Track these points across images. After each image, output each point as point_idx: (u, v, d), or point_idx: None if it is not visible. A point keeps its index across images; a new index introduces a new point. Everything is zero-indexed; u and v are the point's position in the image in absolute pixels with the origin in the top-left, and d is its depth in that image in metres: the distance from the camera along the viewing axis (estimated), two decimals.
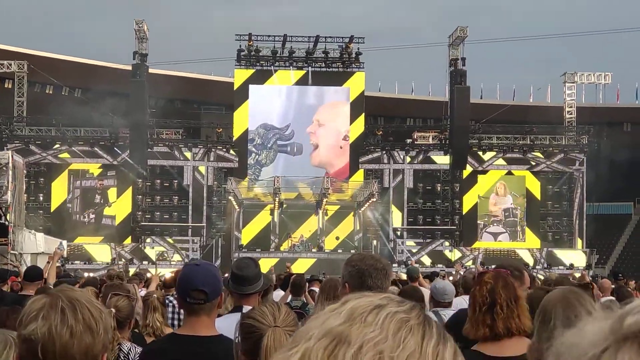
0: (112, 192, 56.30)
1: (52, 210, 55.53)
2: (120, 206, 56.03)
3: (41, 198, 55.41)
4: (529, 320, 4.98)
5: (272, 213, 54.21)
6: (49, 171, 55.78)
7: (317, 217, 54.74)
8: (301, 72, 57.42)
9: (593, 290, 10.57)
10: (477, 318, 5.03)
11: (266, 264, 41.51)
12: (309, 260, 47.98)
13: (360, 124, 57.74)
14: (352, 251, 49.37)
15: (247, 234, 55.51)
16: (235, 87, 57.52)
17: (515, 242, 57.59)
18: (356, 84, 57.55)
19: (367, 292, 1.56)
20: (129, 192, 56.03)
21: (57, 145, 55.21)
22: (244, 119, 57.07)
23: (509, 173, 57.98)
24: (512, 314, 4.98)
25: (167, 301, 9.89)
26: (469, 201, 57.66)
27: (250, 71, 57.11)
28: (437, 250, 56.26)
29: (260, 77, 57.22)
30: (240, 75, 57.54)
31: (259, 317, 3.93)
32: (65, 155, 55.43)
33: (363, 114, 57.76)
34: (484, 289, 5.10)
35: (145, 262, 52.32)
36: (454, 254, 55.45)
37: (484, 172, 57.81)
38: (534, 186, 58.07)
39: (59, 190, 55.89)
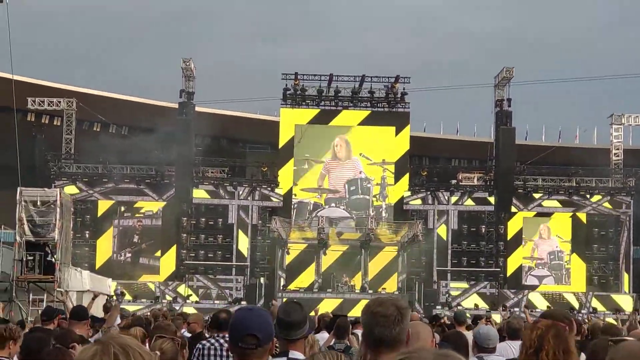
0: (154, 231, 56.46)
1: (97, 248, 55.81)
2: (164, 245, 56.18)
3: (87, 235, 55.80)
4: None
5: (316, 253, 54.12)
6: (95, 209, 56.16)
7: (360, 257, 54.56)
8: (347, 112, 57.53)
9: None
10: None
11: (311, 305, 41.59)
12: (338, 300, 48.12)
13: (405, 164, 57.70)
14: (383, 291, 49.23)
15: (291, 274, 55.36)
16: (281, 125, 57.72)
17: (560, 285, 57.06)
18: (401, 123, 57.52)
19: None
20: (173, 231, 56.20)
21: (103, 183, 55.66)
22: (289, 157, 57.23)
23: (555, 215, 57.56)
24: None
25: (209, 343, 9.84)
26: (513, 243, 57.27)
27: (311, 111, 57.41)
28: (481, 293, 55.88)
29: (307, 116, 57.40)
30: (286, 114, 57.78)
31: None
32: (111, 192, 55.84)
33: (408, 155, 57.71)
34: (534, 334, 5.11)
35: (188, 301, 52.53)
36: (498, 298, 55.07)
37: (529, 214, 57.45)
38: (580, 229, 57.57)
39: (104, 228, 56.19)
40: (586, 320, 27.35)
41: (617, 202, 57.21)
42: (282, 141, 57.56)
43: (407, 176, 57.65)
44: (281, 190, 56.99)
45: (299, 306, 6.61)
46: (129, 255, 56.46)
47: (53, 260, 33.47)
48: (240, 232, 56.71)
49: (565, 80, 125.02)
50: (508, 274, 57.04)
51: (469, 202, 57.40)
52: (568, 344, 5.09)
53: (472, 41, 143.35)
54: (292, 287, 52.95)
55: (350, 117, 57.65)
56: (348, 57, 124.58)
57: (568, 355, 5.02)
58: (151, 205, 56.61)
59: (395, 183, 57.27)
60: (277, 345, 5.73)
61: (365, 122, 57.48)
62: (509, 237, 57.25)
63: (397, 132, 57.29)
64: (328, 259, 54.42)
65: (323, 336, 14.73)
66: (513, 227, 57.34)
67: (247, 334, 5.06)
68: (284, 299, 40.19)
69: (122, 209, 56.47)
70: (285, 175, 57.17)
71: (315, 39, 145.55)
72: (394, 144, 57.34)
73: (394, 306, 5.05)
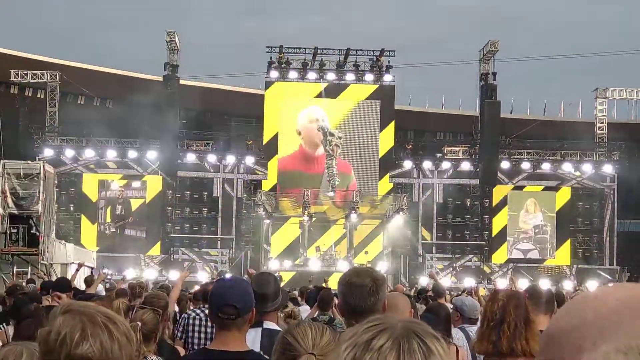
0: (138, 203, 56.50)
1: (81, 221, 55.82)
2: (149, 217, 56.22)
3: (72, 208, 55.76)
4: (533, 345, 4.94)
5: (301, 226, 54.18)
6: (80, 182, 56.07)
7: (345, 230, 54.68)
8: (332, 85, 57.28)
9: None
10: (484, 333, 5.01)
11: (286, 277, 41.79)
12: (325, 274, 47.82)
13: (390, 137, 57.57)
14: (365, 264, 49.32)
15: (276, 247, 55.47)
16: (266, 98, 57.52)
17: (545, 258, 57.31)
18: (387, 97, 57.38)
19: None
20: (158, 204, 56.21)
21: (87, 156, 55.48)
22: (274, 130, 57.05)
23: (539, 189, 57.72)
24: (519, 335, 4.96)
25: (194, 314, 9.91)
26: (498, 217, 57.44)
27: (282, 83, 57.10)
28: (466, 266, 56.07)
29: (291, 89, 57.20)
30: (271, 87, 57.58)
31: (299, 338, 3.89)
32: (95, 165, 55.72)
33: (393, 127, 57.59)
34: (495, 306, 5.10)
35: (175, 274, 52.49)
36: (484, 270, 55.30)
37: (514, 187, 57.60)
38: (564, 202, 57.76)
39: (89, 201, 56.14)
40: (571, 293, 27.51)
41: (601, 176, 57.36)
42: (267, 114, 57.36)
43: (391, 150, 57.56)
44: (266, 163, 56.91)
45: (272, 278, 6.66)
46: (113, 229, 56.45)
47: (37, 232, 33.42)
48: (226, 205, 56.71)
49: (548, 57, 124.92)
50: (493, 247, 57.22)
51: (454, 175, 57.45)
52: (528, 313, 5.10)
53: (457, 15, 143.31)
54: (276, 258, 53.05)
55: (334, 90, 57.40)
56: (333, 33, 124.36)
57: (529, 325, 5.02)
58: (136, 178, 56.53)
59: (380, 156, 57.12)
60: None
61: (350, 95, 57.30)
62: (493, 211, 57.36)
63: (382, 107, 57.12)
64: (313, 232, 54.46)
65: (306, 308, 14.74)
66: (498, 200, 57.45)
67: (226, 304, 5.05)
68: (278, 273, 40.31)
69: (107, 181, 56.39)
70: (270, 148, 57.02)
71: (301, 14, 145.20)
72: (379, 119, 57.19)
73: (369, 277, 5.08)
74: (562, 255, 57.17)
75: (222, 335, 5.11)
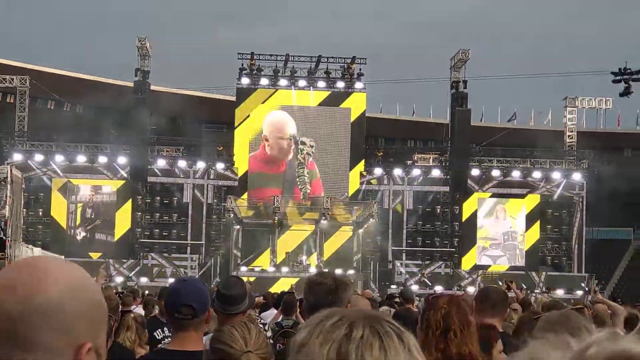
0: (109, 208, 56.33)
1: (50, 225, 55.58)
2: (119, 223, 56.06)
3: (40, 213, 55.51)
4: (477, 346, 5.01)
5: (271, 232, 54.17)
6: (49, 186, 55.79)
7: (315, 236, 54.70)
8: (303, 92, 57.31)
9: (585, 314, 10.50)
10: (430, 342, 5.00)
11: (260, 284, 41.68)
12: (293, 280, 47.66)
13: (360, 145, 57.66)
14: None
15: (246, 253, 55.39)
16: (237, 105, 57.47)
17: (514, 265, 57.53)
18: (357, 104, 57.50)
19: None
20: (127, 209, 56.04)
21: (57, 161, 55.20)
22: (245, 137, 57.00)
23: (509, 196, 57.99)
24: (465, 340, 4.98)
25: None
26: (468, 224, 57.59)
27: (254, 90, 57.02)
28: (435, 272, 56.17)
29: (262, 96, 57.17)
30: (241, 94, 57.52)
31: (229, 342, 3.91)
32: (65, 170, 55.44)
33: (364, 135, 57.71)
34: (438, 314, 5.10)
35: (144, 279, 52.28)
36: (453, 277, 55.45)
37: (484, 194, 57.82)
38: (534, 210, 58.05)
39: (58, 206, 55.89)
40: (537, 299, 27.66)
41: (570, 184, 57.68)
42: (238, 120, 57.31)
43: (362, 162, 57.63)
44: (237, 169, 56.88)
45: (240, 281, 6.68)
46: (83, 233, 56.22)
47: (3, 237, 33.24)
48: (195, 211, 56.63)
49: (518, 76, 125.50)
50: (462, 254, 57.38)
51: (424, 182, 57.60)
52: (467, 316, 5.14)
53: (428, 24, 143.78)
54: (244, 263, 53.06)
55: (305, 97, 57.41)
56: (304, 43, 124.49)
57: (469, 327, 5.05)
58: (106, 184, 56.35)
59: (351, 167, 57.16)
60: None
61: (322, 103, 57.34)
62: (463, 218, 57.55)
63: (353, 114, 57.20)
64: (283, 239, 54.47)
65: (272, 313, 14.78)
66: (468, 207, 57.65)
67: (182, 304, 5.08)
68: (251, 279, 40.26)
69: (76, 187, 56.14)
70: (241, 154, 56.98)
71: (273, 23, 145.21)
72: (349, 127, 57.27)
73: (330, 278, 5.18)
74: (531, 263, 57.36)
75: (180, 336, 5.15)
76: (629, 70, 44.33)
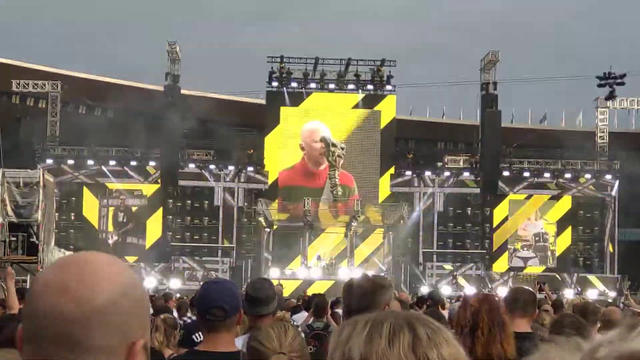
0: (141, 211, 56.59)
1: (83, 229, 55.92)
2: (150, 226, 56.32)
3: (72, 217, 55.87)
4: (512, 347, 4.89)
5: (302, 235, 54.21)
6: (81, 191, 56.14)
7: (346, 239, 54.68)
8: (333, 95, 57.29)
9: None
10: (458, 341, 4.97)
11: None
12: (328, 283, 47.58)
13: (391, 151, 57.63)
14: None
15: (277, 255, 55.40)
16: (267, 109, 57.62)
17: (545, 267, 57.26)
18: (388, 107, 57.46)
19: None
20: (159, 213, 56.30)
21: (88, 165, 55.58)
22: (275, 141, 57.10)
23: (540, 198, 57.74)
24: (493, 340, 4.89)
25: (191, 320, 9.95)
26: (499, 225, 57.38)
27: (284, 94, 57.09)
28: (466, 274, 56.01)
29: (293, 99, 57.25)
30: (271, 97, 57.65)
31: (265, 342, 3.94)
32: (96, 174, 55.78)
33: (394, 142, 57.72)
34: (467, 312, 5.03)
35: (176, 282, 52.40)
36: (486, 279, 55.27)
37: (515, 196, 57.60)
38: (565, 211, 57.76)
39: (90, 209, 56.23)
40: (569, 300, 27.48)
41: (602, 185, 57.39)
42: (268, 124, 57.45)
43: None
44: (267, 172, 56.99)
45: (268, 282, 6.71)
46: (115, 236, 56.52)
47: (36, 241, 33.47)
48: (226, 214, 56.77)
49: (551, 79, 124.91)
50: (494, 256, 57.18)
51: (455, 184, 57.48)
52: (502, 316, 5.05)
53: (459, 25, 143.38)
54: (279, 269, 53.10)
55: (335, 100, 57.40)
56: (334, 43, 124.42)
57: (502, 327, 4.98)
58: (137, 187, 56.62)
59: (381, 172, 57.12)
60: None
61: (353, 106, 57.31)
62: (494, 219, 57.37)
63: (383, 117, 57.20)
64: (315, 242, 54.52)
65: (303, 315, 14.78)
66: (499, 209, 57.48)
67: (214, 306, 5.10)
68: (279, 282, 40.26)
69: (108, 190, 56.46)
70: (272, 157, 57.07)
71: (303, 24, 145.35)
72: (380, 129, 57.24)
73: (370, 281, 5.15)
74: (563, 264, 57.07)
75: (211, 337, 5.16)
76: (612, 75, 44.65)
